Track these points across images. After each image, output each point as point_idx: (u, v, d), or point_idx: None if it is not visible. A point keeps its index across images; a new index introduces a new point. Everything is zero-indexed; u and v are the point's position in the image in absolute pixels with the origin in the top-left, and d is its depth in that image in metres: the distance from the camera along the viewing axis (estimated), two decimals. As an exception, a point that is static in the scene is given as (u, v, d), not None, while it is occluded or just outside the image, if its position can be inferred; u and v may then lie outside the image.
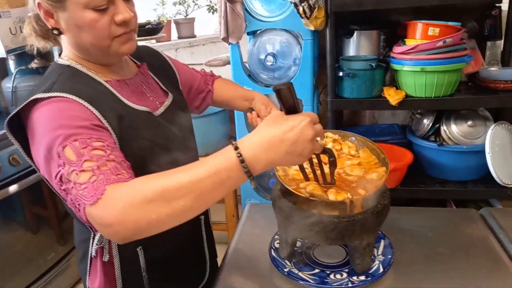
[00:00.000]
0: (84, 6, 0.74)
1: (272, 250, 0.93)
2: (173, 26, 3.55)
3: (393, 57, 1.81)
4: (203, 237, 1.03)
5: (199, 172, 0.63)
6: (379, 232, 0.96)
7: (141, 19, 2.82)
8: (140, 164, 0.78)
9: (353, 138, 0.98)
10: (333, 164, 0.79)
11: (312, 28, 1.74)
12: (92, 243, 0.87)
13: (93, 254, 0.88)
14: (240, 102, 1.10)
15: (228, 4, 1.75)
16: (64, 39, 0.82)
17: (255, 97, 1.07)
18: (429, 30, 1.71)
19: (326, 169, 0.81)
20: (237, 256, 0.98)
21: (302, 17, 1.68)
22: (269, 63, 1.85)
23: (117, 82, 0.85)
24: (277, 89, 0.65)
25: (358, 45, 2.01)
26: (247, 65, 1.98)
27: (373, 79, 1.83)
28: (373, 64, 1.80)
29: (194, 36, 3.63)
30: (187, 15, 3.62)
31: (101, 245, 0.86)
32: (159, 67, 0.99)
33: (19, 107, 0.74)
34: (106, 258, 0.87)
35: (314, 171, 0.82)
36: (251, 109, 1.08)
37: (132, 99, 0.85)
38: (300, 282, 0.83)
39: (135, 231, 0.64)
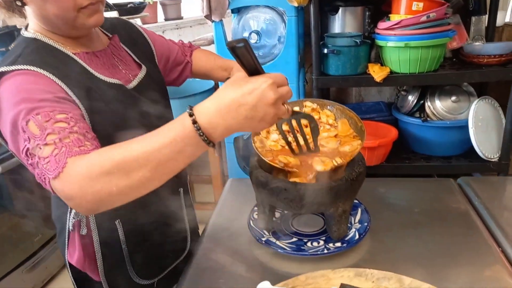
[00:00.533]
0: None
1: (251, 221, 0.94)
2: (159, 7, 3.49)
3: (377, 33, 1.80)
4: (183, 210, 1.04)
5: (156, 141, 0.62)
6: (357, 201, 0.97)
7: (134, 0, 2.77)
8: (112, 137, 0.77)
9: (332, 107, 0.98)
10: (314, 131, 0.77)
11: (295, 4, 1.72)
12: (69, 217, 0.87)
13: (71, 228, 0.88)
14: (219, 72, 1.07)
15: (209, -20, 1.73)
16: (29, 11, 0.79)
17: (233, 67, 1.04)
18: (413, 5, 1.70)
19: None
20: (217, 228, 0.99)
21: (284, -7, 1.66)
22: (253, 41, 1.83)
23: (86, 55, 0.83)
24: (231, 47, 0.58)
25: (343, 22, 2.00)
26: (231, 43, 1.96)
27: (358, 56, 1.82)
28: (358, 41, 1.79)
29: (181, 18, 3.58)
30: (172, -4, 3.55)
31: (78, 219, 0.86)
32: (132, 39, 0.97)
33: None
34: (83, 231, 0.87)
35: (297, 140, 0.80)
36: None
37: (102, 72, 0.83)
38: (278, 250, 0.84)
39: (97, 203, 0.64)
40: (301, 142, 0.80)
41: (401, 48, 1.73)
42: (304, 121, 0.79)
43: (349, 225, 0.90)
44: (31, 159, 0.66)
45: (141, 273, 0.97)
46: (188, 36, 3.49)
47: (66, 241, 0.90)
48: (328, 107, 0.98)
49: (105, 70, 0.84)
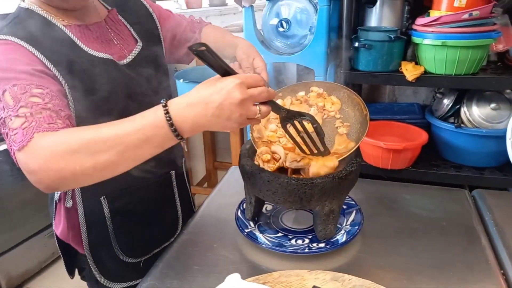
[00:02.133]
0: None
1: (239, 211, 0.91)
2: (205, -7, 3.51)
3: (414, 30, 1.69)
4: (174, 193, 1.03)
5: (126, 127, 0.63)
6: (353, 201, 0.91)
7: None
8: (94, 113, 0.77)
9: (339, 93, 0.92)
10: (319, 133, 0.76)
11: (328, -7, 1.65)
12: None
13: (56, 199, 0.89)
14: (226, 49, 1.02)
15: (243, -35, 1.69)
16: None
17: (238, 45, 0.99)
18: (455, 1, 1.58)
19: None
20: (208, 214, 0.97)
21: (317, -19, 1.60)
22: (281, 29, 1.78)
23: (77, 27, 0.83)
24: (192, 50, 0.59)
25: (380, 16, 1.90)
26: (261, 32, 1.93)
27: (391, 52, 1.73)
28: (392, 36, 1.69)
29: (226, 5, 3.58)
30: (219, -18, 3.56)
31: (64, 191, 0.87)
32: (134, 13, 0.96)
33: None
34: (69, 204, 0.89)
35: (305, 141, 0.79)
36: (234, 59, 0.99)
37: (93, 46, 0.83)
38: (257, 243, 0.81)
39: (59, 181, 0.65)
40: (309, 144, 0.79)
41: (437, 46, 1.61)
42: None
43: (339, 226, 0.85)
44: (3, 128, 0.68)
45: (126, 251, 0.97)
46: (229, 23, 3.49)
47: (54, 212, 0.92)
48: (335, 92, 0.92)
49: (97, 44, 0.84)
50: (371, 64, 1.75)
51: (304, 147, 0.80)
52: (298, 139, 0.79)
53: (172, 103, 0.64)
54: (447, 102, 1.84)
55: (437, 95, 1.92)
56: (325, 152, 0.79)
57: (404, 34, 1.81)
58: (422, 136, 1.86)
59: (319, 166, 0.77)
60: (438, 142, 1.92)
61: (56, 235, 0.96)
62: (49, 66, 0.74)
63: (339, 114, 0.91)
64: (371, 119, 2.07)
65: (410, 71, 1.71)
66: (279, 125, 0.86)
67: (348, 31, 1.72)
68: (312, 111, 0.91)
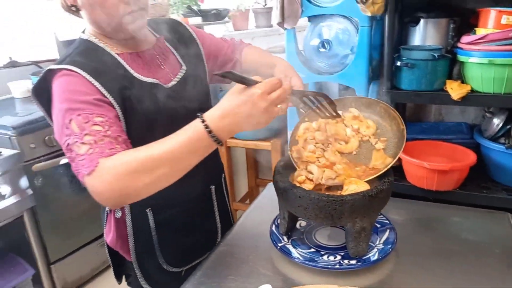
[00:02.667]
0: None
1: (274, 226, 0.94)
2: (251, 15, 3.63)
3: (460, 48, 1.66)
4: (214, 206, 1.08)
5: (173, 142, 0.73)
6: (387, 221, 0.92)
7: (221, 7, 2.94)
8: (146, 132, 0.86)
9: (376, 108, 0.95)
10: (331, 104, 0.87)
11: (369, 13, 1.67)
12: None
13: (108, 210, 0.98)
14: (265, 69, 1.09)
15: (285, -11, 1.76)
16: (84, 16, 0.90)
17: (276, 64, 1.05)
18: (502, 18, 1.54)
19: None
20: (243, 228, 1.01)
21: (357, 2, 1.63)
22: (322, 50, 1.82)
23: (129, 55, 0.92)
24: (219, 76, 0.71)
25: (424, 34, 1.88)
26: (303, 52, 1.98)
27: (434, 71, 1.70)
28: (436, 55, 1.67)
29: (271, 26, 3.68)
30: (265, 4, 3.67)
31: None
32: (180, 39, 1.04)
33: (40, 76, 0.86)
34: (118, 215, 0.97)
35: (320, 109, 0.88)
36: None
37: (142, 71, 0.92)
38: (290, 258, 0.84)
39: (124, 198, 0.75)
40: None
41: (484, 65, 1.57)
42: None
43: (371, 244, 0.86)
44: (70, 153, 0.78)
45: (169, 261, 1.03)
46: (274, 44, 3.58)
47: (105, 221, 1.01)
48: (370, 119, 0.94)
49: (146, 70, 0.92)
50: (414, 83, 1.74)
51: (318, 111, 0.89)
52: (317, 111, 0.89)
53: (208, 117, 0.74)
54: (497, 121, 1.77)
55: (487, 114, 1.85)
56: (337, 116, 0.89)
57: (449, 52, 1.78)
58: (469, 157, 1.80)
59: (351, 190, 0.80)
60: (488, 163, 1.84)
61: (106, 243, 1.05)
62: (105, 94, 0.83)
63: (375, 138, 0.92)
64: (415, 139, 2.04)
65: (455, 90, 1.67)
66: (317, 145, 0.90)
67: (390, 50, 1.72)
68: (349, 132, 0.93)
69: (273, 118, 0.75)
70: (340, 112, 0.90)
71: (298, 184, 0.84)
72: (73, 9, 0.89)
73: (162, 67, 0.97)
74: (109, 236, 1.03)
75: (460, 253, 0.85)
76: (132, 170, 0.72)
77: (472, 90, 1.65)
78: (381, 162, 0.86)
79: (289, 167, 0.91)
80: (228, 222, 1.15)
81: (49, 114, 0.88)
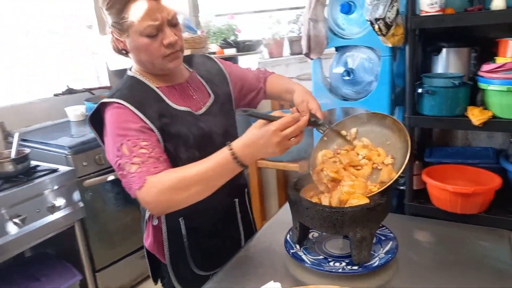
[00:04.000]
0: (139, 34, 1.00)
1: (288, 235, 1.06)
2: (286, 43, 3.82)
3: (481, 76, 1.73)
4: (237, 217, 1.22)
5: (207, 165, 0.91)
6: (391, 234, 1.01)
7: (257, 37, 3.15)
8: (181, 151, 1.03)
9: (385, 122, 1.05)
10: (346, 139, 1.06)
11: (389, 44, 1.79)
12: (147, 209, 1.13)
13: (146, 217, 1.14)
14: (286, 95, 1.24)
15: (311, 22, 1.92)
16: (131, 57, 1.09)
17: (295, 90, 1.18)
18: (520, 47, 1.61)
19: None
20: (263, 237, 1.14)
21: (378, 35, 1.75)
22: (346, 78, 1.95)
23: (166, 88, 1.10)
24: (240, 113, 0.89)
25: (446, 63, 1.96)
26: (329, 79, 2.11)
27: (455, 97, 1.78)
28: (456, 82, 1.75)
29: (304, 53, 3.84)
30: (300, 33, 3.84)
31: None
32: (209, 72, 1.21)
33: (95, 108, 1.05)
34: (155, 222, 1.13)
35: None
36: (292, 104, 1.19)
37: (177, 101, 1.08)
38: (300, 262, 0.95)
39: (167, 208, 0.97)
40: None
41: (503, 92, 1.64)
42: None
43: (374, 253, 0.95)
44: (121, 171, 0.97)
45: (198, 265, 1.17)
46: (308, 70, 3.73)
47: (144, 227, 1.17)
48: (381, 147, 1.05)
49: (180, 100, 1.10)
50: (435, 108, 1.81)
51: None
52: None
53: (234, 145, 0.90)
54: (521, 147, 1.80)
55: (511, 139, 1.89)
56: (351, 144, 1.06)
57: (472, 80, 1.85)
58: (494, 181, 1.82)
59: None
60: (514, 188, 1.86)
61: (145, 246, 1.21)
62: (147, 122, 1.01)
63: (387, 162, 1.01)
64: (441, 163, 2.08)
65: (476, 115, 1.73)
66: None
67: (411, 78, 1.82)
68: (362, 160, 1.04)
69: (287, 149, 0.90)
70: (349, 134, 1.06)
71: (309, 198, 0.97)
72: (124, 52, 1.08)
73: (194, 97, 1.14)
74: (148, 241, 1.19)
75: (459, 265, 0.92)
76: (173, 187, 0.90)
77: (494, 116, 1.71)
78: (387, 177, 0.96)
79: (302, 183, 1.04)
80: (251, 231, 1.27)
81: (101, 139, 1.07)
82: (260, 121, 0.90)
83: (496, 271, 0.91)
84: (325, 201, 0.95)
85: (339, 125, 1.10)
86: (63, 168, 2.01)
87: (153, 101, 1.05)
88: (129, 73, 1.12)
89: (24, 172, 1.90)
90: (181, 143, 1.05)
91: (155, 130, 1.01)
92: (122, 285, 2.40)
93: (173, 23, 1.03)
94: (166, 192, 0.91)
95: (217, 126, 1.12)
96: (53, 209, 1.91)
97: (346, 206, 0.91)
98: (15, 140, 1.94)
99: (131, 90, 1.06)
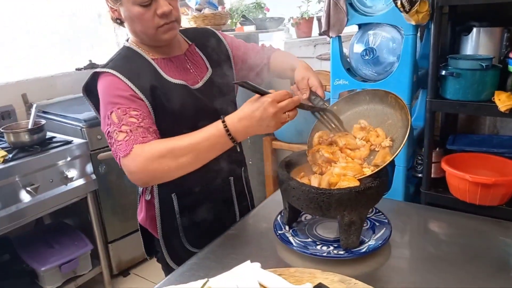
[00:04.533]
0: (132, 2, 0.96)
1: (279, 216, 1.02)
2: (315, 23, 3.70)
3: (510, 58, 1.60)
4: (232, 195, 1.19)
5: (198, 137, 0.87)
6: (385, 220, 0.95)
7: (286, 15, 3.06)
8: (172, 126, 1.00)
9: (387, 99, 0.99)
10: (339, 122, 1.00)
11: (413, 22, 1.67)
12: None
13: (140, 191, 1.13)
14: (289, 73, 1.17)
15: (332, -2, 1.83)
16: (127, 27, 1.06)
17: (296, 67, 1.11)
18: (557, 27, 1.46)
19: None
20: (255, 217, 1.10)
21: (401, 11, 1.64)
22: (366, 57, 1.85)
23: (162, 60, 1.06)
24: (237, 84, 0.84)
25: (476, 43, 1.82)
26: (349, 59, 2.01)
27: (482, 81, 1.65)
28: (484, 65, 1.62)
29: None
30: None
31: (145, 187, 1.10)
32: (210, 46, 1.16)
33: (89, 76, 1.03)
34: (148, 197, 1.12)
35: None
36: (293, 81, 1.13)
37: (172, 74, 1.05)
38: (286, 244, 0.91)
39: (152, 178, 0.92)
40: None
41: (535, 75, 1.50)
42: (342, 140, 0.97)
43: (364, 238, 0.90)
44: (110, 139, 0.95)
45: (191, 241, 1.15)
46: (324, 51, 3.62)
47: (138, 202, 1.16)
48: (380, 128, 0.98)
49: (176, 73, 1.06)
50: (459, 92, 1.70)
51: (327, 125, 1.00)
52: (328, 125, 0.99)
53: (228, 119, 0.87)
54: (552, 136, 1.66)
55: (543, 128, 1.75)
56: (345, 130, 1.00)
57: (502, 62, 1.71)
58: (519, 172, 1.71)
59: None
60: (542, 180, 1.73)
61: (138, 221, 1.21)
62: (137, 92, 0.98)
63: (384, 145, 0.95)
64: (464, 151, 1.96)
65: (503, 101, 1.60)
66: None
67: (434, 59, 1.70)
68: (358, 142, 0.97)
69: (283, 124, 0.86)
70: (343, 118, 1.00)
71: (299, 179, 0.92)
72: (118, 22, 1.06)
73: (191, 71, 1.10)
74: (141, 215, 1.18)
75: (453, 256, 0.85)
76: (161, 156, 0.87)
77: (524, 102, 1.58)
78: (381, 160, 0.90)
79: (293, 163, 0.99)
80: (247, 210, 1.24)
81: (98, 109, 1.05)
82: (256, 95, 0.87)
83: (497, 262, 0.83)
84: (314, 182, 0.90)
85: (340, 103, 1.04)
86: (76, 140, 2.04)
87: (147, 73, 1.02)
88: (125, 44, 1.09)
89: (39, 143, 1.94)
90: (174, 117, 1.02)
91: (146, 102, 0.99)
92: (134, 258, 2.45)
93: None
94: (154, 160, 0.87)
95: (213, 101, 1.08)
96: (66, 179, 1.96)
97: (334, 188, 0.86)
98: (33, 111, 1.99)
99: (125, 61, 1.03)
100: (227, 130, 0.86)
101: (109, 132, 0.95)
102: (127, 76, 0.98)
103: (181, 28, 1.12)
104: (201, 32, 1.21)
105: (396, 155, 0.87)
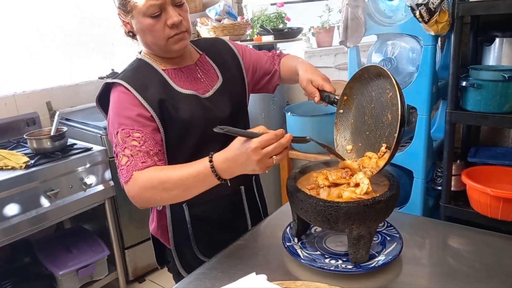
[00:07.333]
0: (143, 14, 0.98)
1: (289, 228, 1.01)
2: (336, 32, 3.69)
3: (536, 69, 1.55)
4: (244, 206, 1.18)
5: (187, 173, 0.90)
6: (397, 235, 0.93)
7: (307, 24, 3.06)
8: (182, 134, 1.02)
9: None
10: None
11: (432, 33, 1.65)
12: None
13: None
14: (296, 77, 1.16)
15: (349, 8, 1.82)
16: (139, 39, 1.07)
17: (299, 69, 1.13)
18: None
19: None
20: (265, 228, 1.10)
21: (419, 21, 1.62)
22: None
23: (173, 71, 1.07)
24: (218, 130, 0.82)
25: (500, 54, 1.78)
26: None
27: (505, 93, 1.60)
28: (507, 76, 1.58)
29: (354, 43, 3.69)
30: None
31: None
32: (220, 55, 1.17)
33: (102, 87, 1.06)
34: (159, 207, 1.13)
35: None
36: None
37: (183, 84, 1.06)
38: (294, 256, 0.90)
39: (148, 204, 1.00)
40: None
41: (561, 87, 1.45)
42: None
43: (375, 253, 0.88)
44: (116, 159, 1.00)
45: (203, 251, 1.15)
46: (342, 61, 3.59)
47: (150, 212, 1.18)
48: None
49: (187, 83, 1.07)
50: (481, 104, 1.65)
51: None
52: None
53: (215, 157, 0.88)
54: None
55: None
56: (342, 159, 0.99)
57: (527, 74, 1.65)
58: (542, 187, 1.64)
59: (345, 197, 0.85)
60: None
61: (150, 231, 1.22)
62: (147, 108, 1.00)
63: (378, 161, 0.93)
64: (486, 164, 1.91)
65: (527, 113, 1.56)
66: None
67: (455, 70, 1.66)
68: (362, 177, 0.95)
69: (269, 168, 0.85)
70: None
71: (308, 191, 0.91)
72: (131, 35, 1.08)
73: (202, 80, 1.11)
74: (152, 225, 1.19)
75: (465, 274, 0.82)
76: (153, 187, 0.93)
77: (549, 115, 1.52)
78: (376, 166, 0.90)
79: (303, 174, 0.98)
80: (260, 219, 1.23)
81: None
82: (242, 139, 0.85)
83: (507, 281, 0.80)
84: (323, 194, 0.88)
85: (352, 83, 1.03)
86: (96, 147, 2.09)
87: (156, 84, 1.04)
88: (138, 56, 1.12)
89: (61, 149, 2.00)
90: (184, 126, 1.03)
91: (154, 115, 1.00)
92: (150, 264, 2.47)
93: (177, 3, 1.00)
94: (148, 190, 0.93)
95: (224, 109, 1.09)
96: (84, 185, 2.00)
97: (340, 199, 0.84)
98: (56, 119, 2.05)
99: (135, 72, 1.06)
100: (213, 170, 0.88)
101: (115, 151, 1.00)
102: (137, 89, 1.01)
103: (192, 39, 1.14)
104: (212, 42, 1.22)
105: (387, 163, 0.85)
